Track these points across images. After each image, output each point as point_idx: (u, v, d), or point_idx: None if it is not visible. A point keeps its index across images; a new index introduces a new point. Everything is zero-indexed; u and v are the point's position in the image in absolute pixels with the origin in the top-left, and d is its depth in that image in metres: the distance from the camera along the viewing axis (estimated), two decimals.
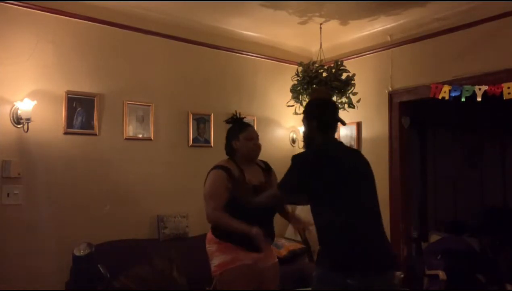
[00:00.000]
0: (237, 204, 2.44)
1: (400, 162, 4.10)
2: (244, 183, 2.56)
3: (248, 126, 2.74)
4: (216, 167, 2.59)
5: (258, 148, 2.71)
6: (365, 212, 2.05)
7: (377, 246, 2.02)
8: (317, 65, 3.85)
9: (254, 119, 4.47)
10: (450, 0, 3.56)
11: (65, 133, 3.37)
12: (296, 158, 2.15)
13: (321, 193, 2.05)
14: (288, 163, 2.16)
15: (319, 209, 2.08)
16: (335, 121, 2.26)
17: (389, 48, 4.22)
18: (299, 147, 4.70)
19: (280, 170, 4.60)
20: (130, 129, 3.70)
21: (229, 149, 2.69)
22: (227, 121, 2.77)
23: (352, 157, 2.23)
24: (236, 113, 2.78)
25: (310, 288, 2.93)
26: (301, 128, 4.70)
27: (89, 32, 3.53)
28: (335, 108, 2.36)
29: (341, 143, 2.38)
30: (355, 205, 2.03)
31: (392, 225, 4.01)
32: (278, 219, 4.65)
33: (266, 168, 2.78)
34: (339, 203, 2.02)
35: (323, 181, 2.03)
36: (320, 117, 2.21)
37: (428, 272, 3.94)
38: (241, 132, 2.66)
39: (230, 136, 2.70)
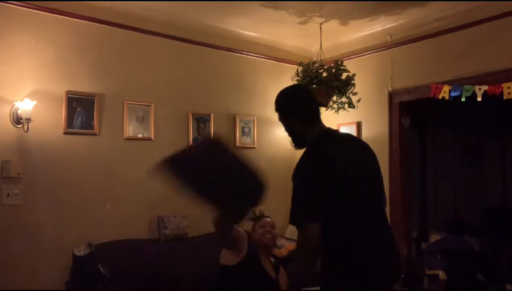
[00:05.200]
0: None
1: (400, 162, 4.10)
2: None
3: (264, 217, 2.73)
4: None
5: (272, 237, 2.68)
6: (375, 219, 1.86)
7: (389, 256, 1.88)
8: (317, 65, 3.85)
9: (254, 119, 4.47)
10: (450, 0, 3.56)
11: (65, 133, 3.37)
12: (297, 176, 1.78)
13: (331, 204, 1.73)
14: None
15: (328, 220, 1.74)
16: (316, 106, 1.96)
17: (389, 48, 4.22)
18: None
19: (281, 170, 4.62)
20: (130, 129, 3.70)
21: None
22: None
23: (356, 150, 1.94)
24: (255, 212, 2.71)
25: (310, 288, 2.93)
26: None
27: (89, 32, 3.53)
28: (307, 91, 2.10)
29: (336, 131, 2.03)
30: (365, 212, 1.80)
31: (392, 225, 4.00)
32: (278, 219, 4.64)
33: (276, 266, 2.70)
34: (349, 213, 1.77)
35: (335, 188, 1.74)
36: (301, 109, 1.90)
37: (428, 272, 3.94)
38: (256, 223, 2.68)
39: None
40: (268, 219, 2.76)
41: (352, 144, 2.01)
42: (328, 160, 1.80)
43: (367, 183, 1.85)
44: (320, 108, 4.20)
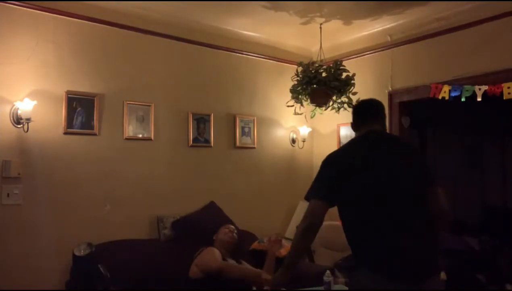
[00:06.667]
0: None
1: None
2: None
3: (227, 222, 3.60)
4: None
5: (234, 234, 3.43)
6: (390, 216, 1.94)
7: (405, 253, 1.91)
8: (316, 65, 3.85)
9: (254, 119, 4.47)
10: (450, 0, 3.56)
11: (65, 133, 3.37)
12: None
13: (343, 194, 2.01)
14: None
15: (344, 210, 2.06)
16: (370, 113, 2.26)
17: (389, 48, 4.22)
18: (299, 147, 4.70)
19: (281, 170, 4.62)
20: (130, 129, 3.70)
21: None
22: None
23: (382, 151, 2.08)
24: None
25: (310, 288, 2.93)
26: (301, 129, 4.71)
27: (89, 32, 3.53)
28: (368, 103, 2.36)
29: (373, 134, 2.16)
30: (375, 207, 1.94)
31: None
32: (278, 219, 4.64)
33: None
34: (358, 207, 1.97)
35: (344, 182, 2.00)
36: (354, 113, 2.33)
37: None
38: (220, 227, 3.49)
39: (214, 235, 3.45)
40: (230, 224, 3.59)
41: (379, 146, 2.13)
42: (344, 154, 2.14)
43: (386, 182, 1.98)
44: (321, 107, 4.21)
